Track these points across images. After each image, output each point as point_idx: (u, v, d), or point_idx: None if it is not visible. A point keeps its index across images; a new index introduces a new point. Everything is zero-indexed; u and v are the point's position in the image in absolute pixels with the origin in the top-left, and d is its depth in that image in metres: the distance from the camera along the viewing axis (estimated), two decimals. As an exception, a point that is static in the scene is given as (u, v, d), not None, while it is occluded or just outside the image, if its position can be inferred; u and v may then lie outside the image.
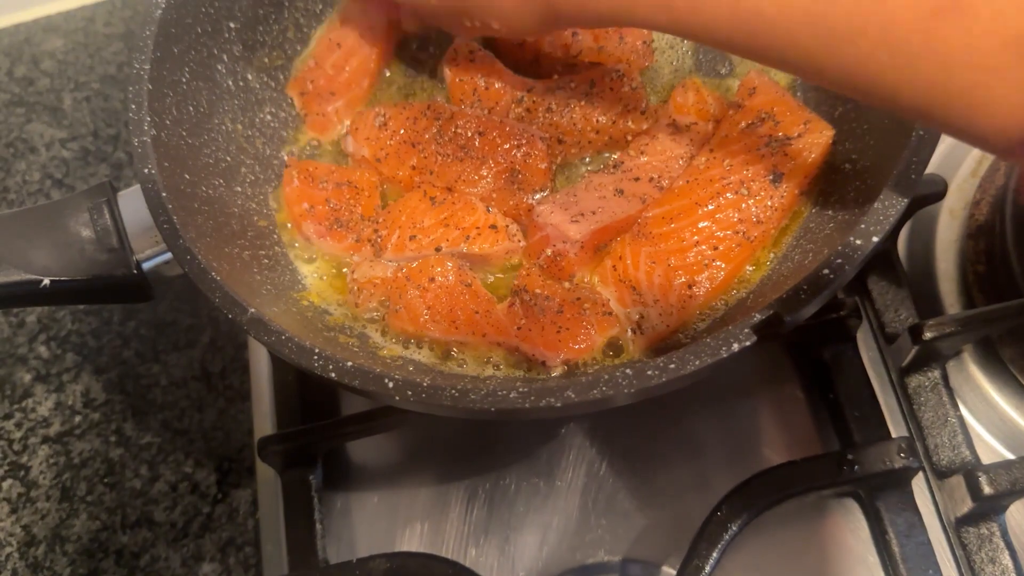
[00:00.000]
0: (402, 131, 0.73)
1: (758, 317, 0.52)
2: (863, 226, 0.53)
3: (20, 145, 1.03)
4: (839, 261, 0.53)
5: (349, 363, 0.54)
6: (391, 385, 0.53)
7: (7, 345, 0.90)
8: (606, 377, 0.51)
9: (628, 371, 0.51)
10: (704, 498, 0.70)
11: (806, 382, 0.73)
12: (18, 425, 0.86)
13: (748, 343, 0.51)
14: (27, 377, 0.88)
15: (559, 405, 0.51)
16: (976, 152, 0.80)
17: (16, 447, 0.85)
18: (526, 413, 0.52)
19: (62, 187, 0.99)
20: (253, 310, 0.57)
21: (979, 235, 0.75)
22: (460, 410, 0.53)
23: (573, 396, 0.51)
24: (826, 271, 0.52)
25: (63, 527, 0.81)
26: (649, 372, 0.51)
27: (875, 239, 0.53)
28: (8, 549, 0.80)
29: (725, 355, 0.51)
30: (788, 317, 0.51)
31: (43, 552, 0.80)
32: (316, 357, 0.55)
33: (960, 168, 0.80)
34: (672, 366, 0.51)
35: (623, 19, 0.58)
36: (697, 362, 0.51)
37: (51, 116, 1.04)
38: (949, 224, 0.78)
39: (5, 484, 0.83)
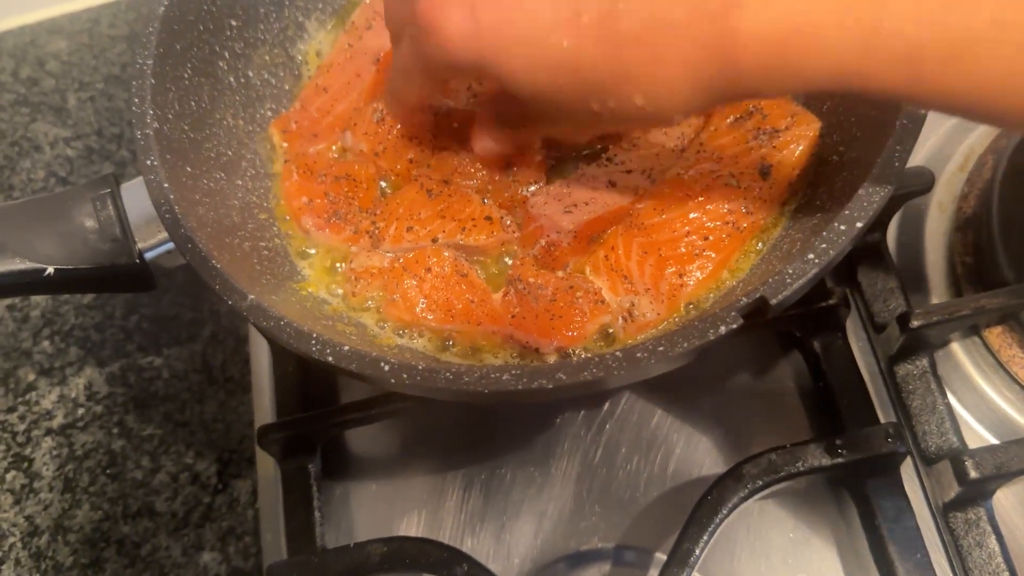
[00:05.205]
0: (399, 126, 0.74)
1: (745, 301, 0.53)
2: (847, 212, 0.55)
3: (25, 144, 1.04)
4: (823, 246, 0.54)
5: (346, 347, 0.56)
6: (387, 368, 0.54)
7: (11, 339, 0.91)
8: (597, 359, 0.52)
9: (618, 353, 0.53)
10: (696, 485, 0.71)
11: (796, 371, 0.74)
12: (22, 418, 0.87)
13: (735, 326, 0.52)
14: (31, 371, 0.90)
15: (551, 387, 0.52)
16: (964, 147, 0.82)
17: (20, 439, 0.86)
18: (519, 395, 0.53)
19: (66, 185, 1.01)
20: (253, 297, 0.58)
21: (967, 227, 0.77)
22: (455, 392, 0.54)
23: (564, 378, 0.52)
24: (811, 255, 0.54)
25: (66, 517, 0.82)
26: (639, 354, 0.52)
27: (859, 224, 0.54)
28: (11, 539, 0.81)
29: (713, 337, 0.52)
30: (774, 300, 0.53)
31: (46, 542, 0.81)
32: (314, 342, 0.56)
33: (948, 162, 0.81)
34: (661, 348, 0.52)
35: (843, 82, 0.45)
36: (686, 344, 0.52)
37: (55, 115, 1.06)
38: (938, 217, 0.79)
39: (9, 475, 0.85)
